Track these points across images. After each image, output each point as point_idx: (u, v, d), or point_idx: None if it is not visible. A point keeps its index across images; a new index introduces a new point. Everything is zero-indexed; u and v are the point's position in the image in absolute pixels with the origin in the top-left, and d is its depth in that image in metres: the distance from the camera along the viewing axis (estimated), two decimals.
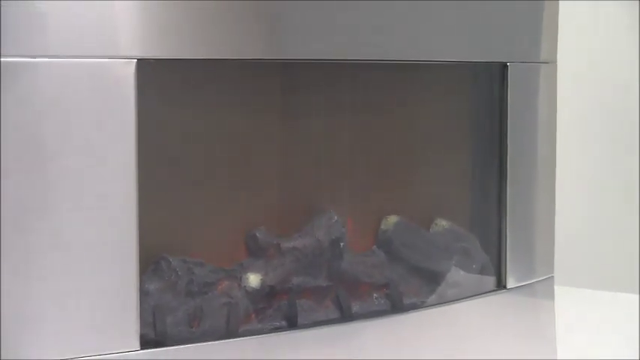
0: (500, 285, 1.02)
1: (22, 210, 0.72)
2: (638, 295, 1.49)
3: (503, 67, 1.00)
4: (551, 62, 1.05)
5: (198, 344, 0.80)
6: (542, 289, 1.06)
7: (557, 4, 1.05)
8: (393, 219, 0.99)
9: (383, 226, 0.99)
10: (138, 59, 0.75)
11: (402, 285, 0.97)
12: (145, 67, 0.75)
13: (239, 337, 0.83)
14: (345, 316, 0.91)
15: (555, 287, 1.09)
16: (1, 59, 0.70)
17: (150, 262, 0.82)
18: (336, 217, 0.93)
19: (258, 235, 0.89)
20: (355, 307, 0.92)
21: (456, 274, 1.00)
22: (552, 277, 1.08)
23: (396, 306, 0.94)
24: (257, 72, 0.87)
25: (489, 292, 1.01)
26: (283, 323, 0.87)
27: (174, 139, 0.84)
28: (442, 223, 1.03)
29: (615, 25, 1.94)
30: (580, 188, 1.87)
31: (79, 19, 0.73)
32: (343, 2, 0.85)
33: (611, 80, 1.95)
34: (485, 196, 1.03)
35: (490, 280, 1.02)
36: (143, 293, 0.78)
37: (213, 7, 0.78)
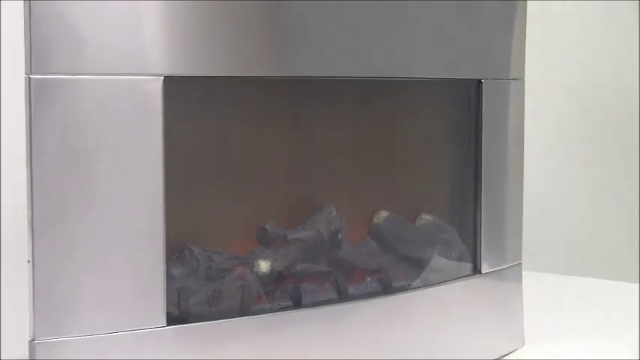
0: (476, 270, 1.02)
1: (67, 205, 0.72)
2: (595, 279, 1.49)
3: (478, 83, 1.00)
4: (520, 79, 1.05)
5: (217, 321, 0.81)
6: (512, 273, 1.06)
7: (525, 27, 1.05)
8: (384, 214, 0.99)
9: (375, 220, 0.99)
10: (165, 76, 0.75)
11: (392, 270, 0.97)
12: (171, 83, 0.76)
13: (251, 315, 0.84)
14: (343, 297, 0.91)
15: (523, 272, 1.09)
16: (47, 76, 0.71)
17: (175, 251, 0.82)
18: (334, 212, 0.93)
19: (267, 227, 0.89)
20: (351, 290, 0.92)
21: (438, 261, 1.00)
22: (520, 263, 1.08)
23: (387, 288, 0.94)
24: (266, 87, 0.87)
25: (466, 276, 1.01)
26: (289, 303, 0.87)
27: (196, 146, 0.84)
28: (426, 217, 1.03)
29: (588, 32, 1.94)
30: (548, 185, 1.86)
31: (114, 41, 0.73)
32: (339, 29, 0.85)
33: (578, 90, 1.95)
34: (463, 193, 1.03)
35: (467, 266, 1.02)
36: (169, 277, 0.78)
37: (229, 32, 0.78)
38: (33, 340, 0.72)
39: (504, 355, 1.05)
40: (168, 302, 0.77)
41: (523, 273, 1.08)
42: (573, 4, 1.95)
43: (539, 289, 1.33)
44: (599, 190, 2.03)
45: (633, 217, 2.14)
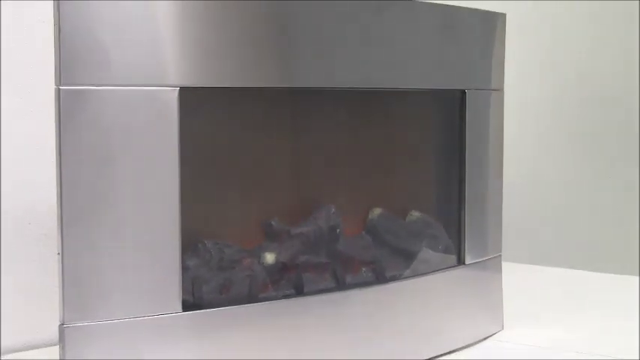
0: (460, 261, 1.02)
1: (93, 204, 0.72)
2: (569, 270, 1.49)
3: (462, 93, 1.00)
4: (500, 89, 1.05)
5: (227, 307, 0.81)
6: (493, 264, 1.06)
7: (504, 41, 1.06)
8: (377, 210, 0.99)
9: (370, 216, 0.99)
10: (180, 87, 0.75)
11: (385, 262, 0.97)
12: (186, 93, 0.76)
13: (258, 302, 0.84)
14: (340, 285, 0.91)
15: (503, 263, 1.09)
16: (75, 87, 0.71)
17: (189, 244, 0.82)
18: (333, 209, 0.93)
19: (273, 223, 0.89)
20: (348, 279, 0.92)
21: (426, 253, 1.00)
22: (500, 255, 1.08)
23: (380, 278, 0.94)
24: (272, 96, 0.87)
25: (451, 267, 1.01)
26: (292, 291, 0.87)
27: (209, 151, 0.84)
28: (415, 214, 1.03)
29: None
30: (529, 183, 1.87)
31: (135, 56, 0.73)
32: (340, 45, 0.85)
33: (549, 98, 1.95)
34: (448, 192, 1.03)
35: (452, 258, 1.02)
36: (184, 268, 0.78)
37: (239, 48, 0.79)
38: (62, 324, 0.72)
39: (485, 338, 1.05)
40: (184, 290, 0.77)
41: (502, 264, 1.08)
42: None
43: (517, 278, 1.33)
44: (577, 187, 2.04)
45: (609, 211, 2.14)
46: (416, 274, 0.97)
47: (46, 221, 1.05)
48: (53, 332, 1.00)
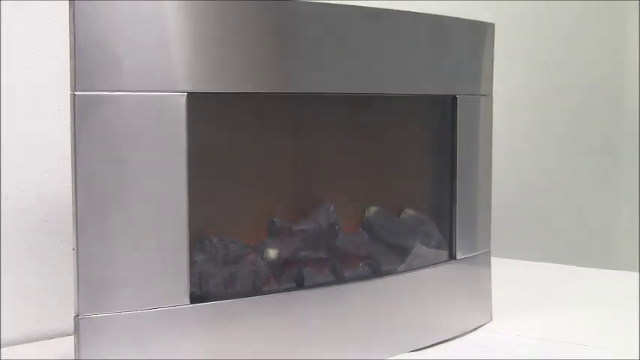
0: (452, 257, 1.02)
1: (106, 202, 0.73)
2: (553, 264, 1.50)
3: (454, 98, 1.00)
4: (489, 95, 1.05)
5: (232, 300, 0.81)
6: (482, 259, 1.06)
7: (493, 49, 1.06)
8: (374, 209, 0.99)
9: (367, 214, 0.99)
10: (188, 93, 0.76)
11: (381, 257, 0.97)
12: (194, 99, 0.76)
13: (261, 295, 0.84)
14: (339, 279, 0.91)
15: (492, 259, 1.09)
16: (89, 93, 0.71)
17: (197, 241, 0.82)
18: (332, 208, 0.93)
19: (275, 221, 0.90)
20: (346, 273, 0.92)
21: (420, 249, 1.01)
22: (489, 250, 1.08)
23: (376, 272, 0.95)
24: (274, 100, 0.88)
25: (443, 262, 1.01)
26: (293, 285, 0.88)
27: (215, 152, 0.84)
28: (409, 212, 1.03)
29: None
30: (513, 183, 1.87)
31: (146, 63, 0.73)
32: (341, 53, 0.86)
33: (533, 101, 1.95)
34: (441, 192, 1.03)
35: (444, 253, 1.02)
36: (192, 263, 0.78)
37: (244, 55, 0.79)
38: (77, 315, 0.72)
39: (475, 328, 1.05)
40: (191, 284, 0.78)
41: (492, 259, 1.09)
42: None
43: (505, 273, 1.33)
44: (564, 186, 2.04)
45: (597, 209, 2.14)
46: (410, 269, 0.97)
47: (65, 217, 1.05)
48: (68, 324, 1.01)
